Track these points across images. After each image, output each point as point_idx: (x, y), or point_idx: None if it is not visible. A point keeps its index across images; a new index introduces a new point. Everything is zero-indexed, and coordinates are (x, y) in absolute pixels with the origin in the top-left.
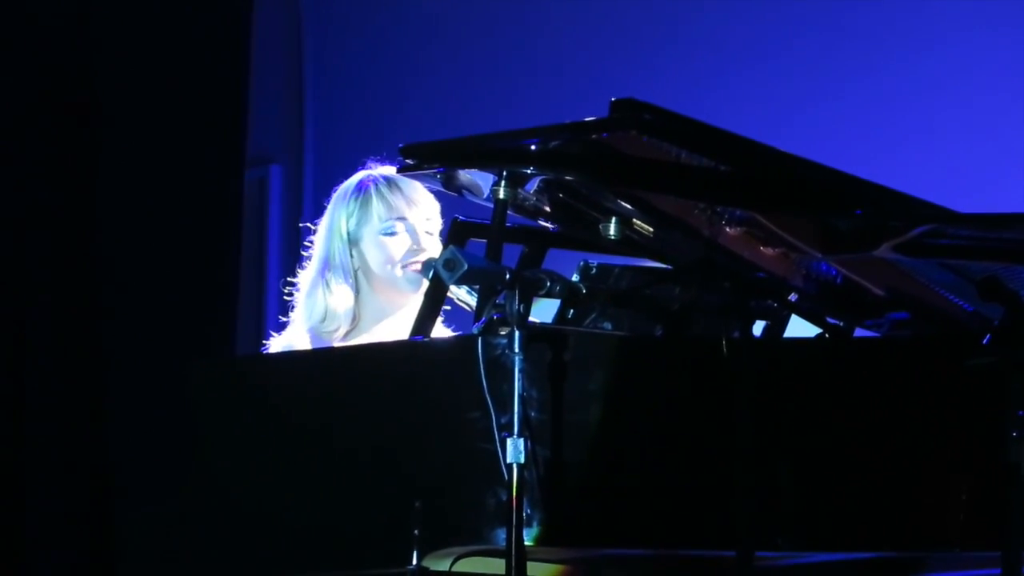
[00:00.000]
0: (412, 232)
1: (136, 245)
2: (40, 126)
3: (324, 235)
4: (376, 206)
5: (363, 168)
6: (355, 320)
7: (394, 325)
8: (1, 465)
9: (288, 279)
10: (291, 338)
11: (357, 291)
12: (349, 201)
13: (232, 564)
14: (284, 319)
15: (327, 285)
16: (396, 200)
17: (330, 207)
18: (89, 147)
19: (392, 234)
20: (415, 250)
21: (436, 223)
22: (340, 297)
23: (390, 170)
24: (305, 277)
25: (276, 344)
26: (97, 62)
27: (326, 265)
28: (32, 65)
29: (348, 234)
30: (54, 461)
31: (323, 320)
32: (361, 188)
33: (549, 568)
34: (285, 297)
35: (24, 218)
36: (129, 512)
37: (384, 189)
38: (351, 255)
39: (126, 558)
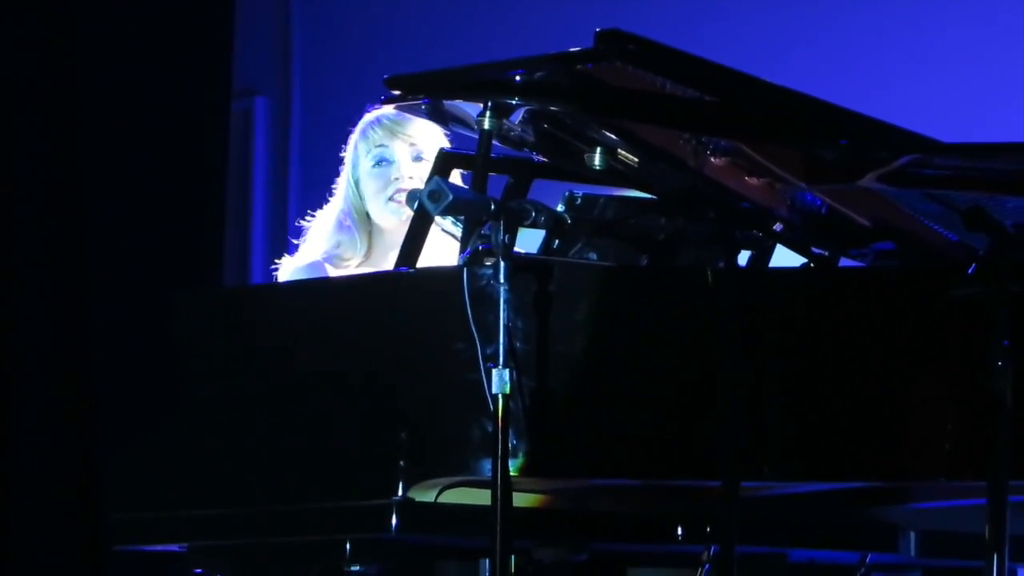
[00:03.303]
0: (390, 162)
1: (121, 179)
2: (20, 56)
3: (341, 178)
4: (361, 144)
5: (367, 111)
6: (368, 252)
7: None
8: None
9: (303, 219)
10: (299, 263)
11: (368, 225)
12: (351, 145)
13: (216, 495)
14: (274, 260)
15: (343, 219)
16: (377, 134)
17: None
18: (71, 80)
19: (377, 164)
20: (395, 179)
21: (428, 149)
22: (354, 233)
23: (385, 109)
24: (325, 213)
25: (286, 267)
26: None
27: (344, 202)
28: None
29: (352, 176)
30: (38, 391)
31: (339, 246)
32: (360, 131)
33: (534, 498)
34: (300, 222)
35: (7, 151)
36: (115, 443)
37: (370, 125)
38: (360, 196)
39: (112, 489)
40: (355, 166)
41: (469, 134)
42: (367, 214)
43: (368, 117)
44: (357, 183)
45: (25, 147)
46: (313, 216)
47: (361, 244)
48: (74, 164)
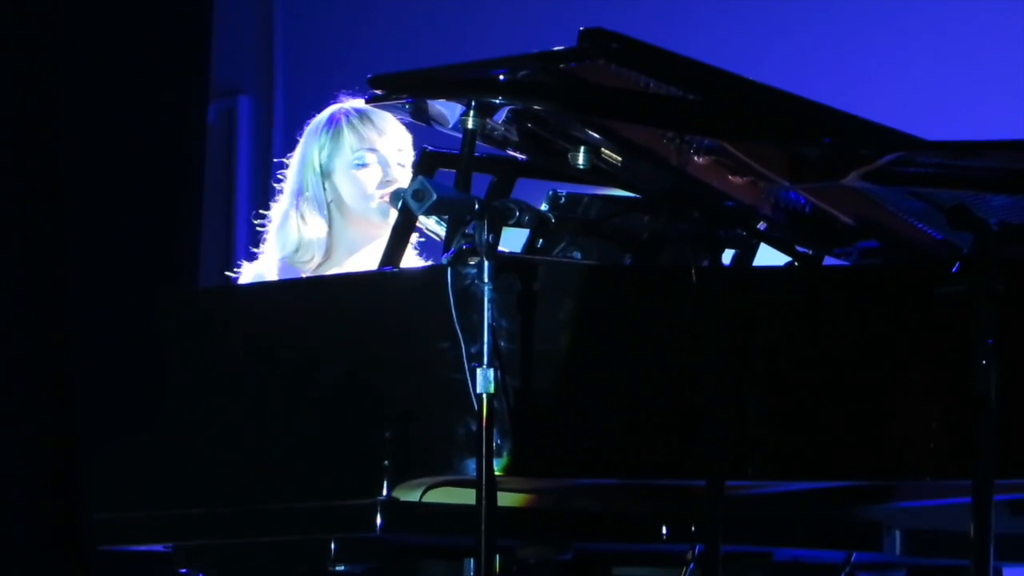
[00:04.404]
0: (384, 163)
1: (98, 176)
2: None
3: (296, 168)
4: (348, 138)
5: (335, 102)
6: (328, 252)
7: (367, 257)
8: None
9: (259, 211)
10: (262, 267)
11: (330, 223)
12: (321, 134)
13: (201, 495)
14: (254, 250)
15: (301, 217)
16: (367, 131)
17: (302, 140)
18: (49, 76)
19: (363, 166)
20: (387, 181)
21: (408, 154)
22: (313, 228)
23: (361, 103)
24: (277, 209)
25: (247, 272)
26: None
27: (299, 197)
28: None
29: (321, 167)
30: (16, 391)
31: (296, 250)
32: (333, 121)
33: (519, 498)
34: (257, 228)
35: None
36: (98, 443)
37: (356, 121)
38: (324, 188)
39: (96, 490)
40: (329, 159)
41: (450, 133)
42: (329, 207)
43: (339, 108)
44: (328, 175)
45: (2, 141)
46: (266, 217)
47: (323, 242)
48: (52, 161)
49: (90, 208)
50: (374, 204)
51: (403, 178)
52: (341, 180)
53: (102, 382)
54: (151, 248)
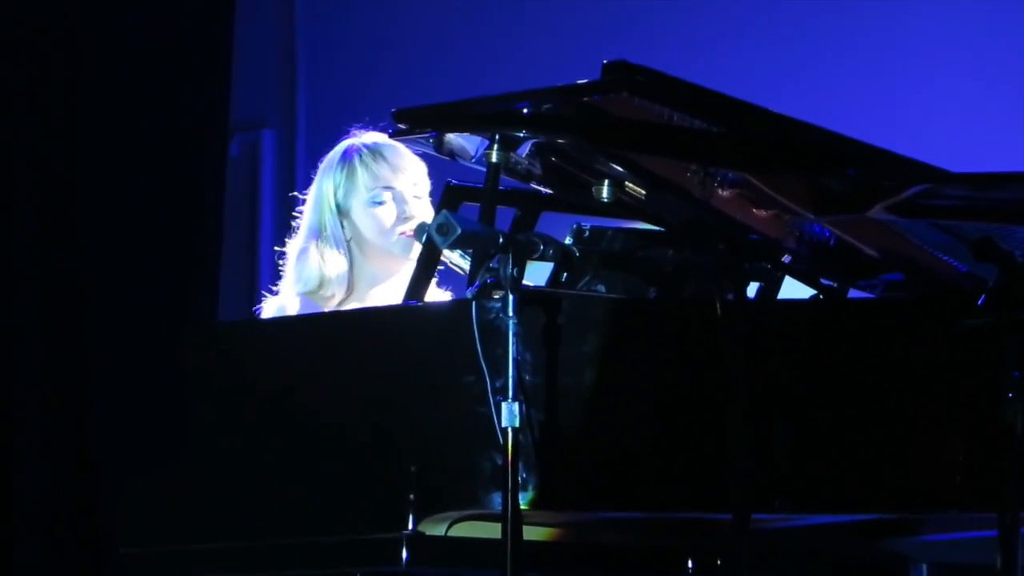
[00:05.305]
0: (400, 199)
1: (117, 211)
2: (19, 85)
3: (312, 205)
4: (362, 176)
5: (347, 136)
6: (350, 287)
7: (388, 291)
8: None
9: (279, 248)
10: (284, 301)
11: (351, 259)
12: (335, 171)
13: (227, 529)
14: (275, 288)
15: (320, 254)
16: (381, 169)
17: (317, 177)
18: (69, 110)
19: (380, 203)
20: (405, 217)
21: (424, 187)
22: (334, 265)
23: (375, 137)
24: (294, 245)
25: (270, 306)
26: (78, 21)
27: (316, 235)
28: (12, 24)
29: (337, 205)
30: (38, 427)
31: (319, 286)
32: (346, 157)
33: (545, 531)
34: (279, 262)
35: (5, 182)
36: (119, 481)
37: (368, 158)
38: (342, 225)
39: (118, 528)
40: (345, 197)
41: (473, 167)
42: (348, 244)
43: (352, 144)
44: (345, 213)
45: (22, 175)
46: (284, 250)
47: (343, 278)
48: (72, 193)
49: (108, 242)
50: (393, 239)
51: (420, 210)
52: (359, 218)
53: (124, 416)
54: (169, 282)
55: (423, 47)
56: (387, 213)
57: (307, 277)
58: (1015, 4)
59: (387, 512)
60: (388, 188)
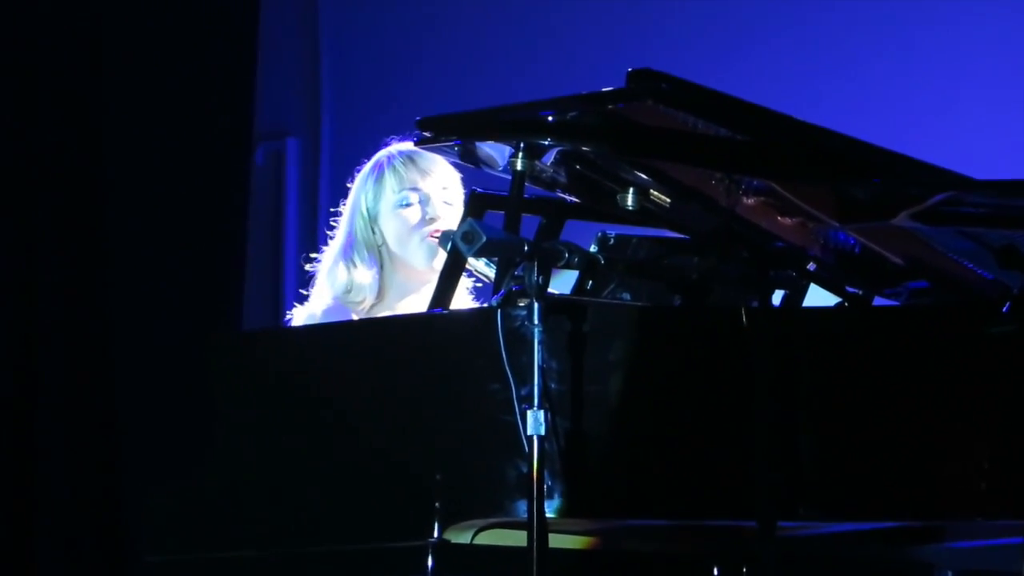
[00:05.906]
0: (425, 201)
1: (143, 219)
2: (45, 95)
3: (348, 215)
4: (390, 180)
5: (384, 146)
6: (380, 294)
7: (418, 301)
8: (11, 441)
9: (309, 254)
10: (314, 308)
11: (381, 266)
12: (368, 179)
13: (252, 537)
14: (304, 292)
15: (351, 261)
16: (409, 172)
17: (353, 187)
18: (94, 120)
19: (407, 205)
20: (430, 219)
21: (455, 192)
22: (363, 272)
23: (408, 145)
24: (329, 254)
25: (299, 314)
26: (104, 30)
27: (351, 243)
28: (38, 33)
29: (368, 211)
30: (63, 434)
31: (349, 291)
32: (378, 166)
33: (571, 540)
34: (307, 267)
35: (31, 188)
36: (145, 489)
37: (398, 163)
38: (373, 232)
39: (142, 536)
40: (375, 202)
41: (499, 175)
42: (380, 251)
43: (385, 153)
44: (375, 219)
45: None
46: (317, 259)
47: (373, 285)
48: (97, 202)
49: (134, 250)
50: (415, 241)
51: (448, 216)
52: (387, 222)
53: (149, 424)
54: (194, 290)
55: (447, 55)
56: (412, 214)
57: (337, 282)
58: None
59: (413, 520)
60: (415, 190)
